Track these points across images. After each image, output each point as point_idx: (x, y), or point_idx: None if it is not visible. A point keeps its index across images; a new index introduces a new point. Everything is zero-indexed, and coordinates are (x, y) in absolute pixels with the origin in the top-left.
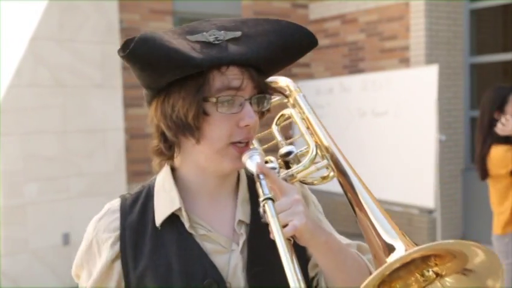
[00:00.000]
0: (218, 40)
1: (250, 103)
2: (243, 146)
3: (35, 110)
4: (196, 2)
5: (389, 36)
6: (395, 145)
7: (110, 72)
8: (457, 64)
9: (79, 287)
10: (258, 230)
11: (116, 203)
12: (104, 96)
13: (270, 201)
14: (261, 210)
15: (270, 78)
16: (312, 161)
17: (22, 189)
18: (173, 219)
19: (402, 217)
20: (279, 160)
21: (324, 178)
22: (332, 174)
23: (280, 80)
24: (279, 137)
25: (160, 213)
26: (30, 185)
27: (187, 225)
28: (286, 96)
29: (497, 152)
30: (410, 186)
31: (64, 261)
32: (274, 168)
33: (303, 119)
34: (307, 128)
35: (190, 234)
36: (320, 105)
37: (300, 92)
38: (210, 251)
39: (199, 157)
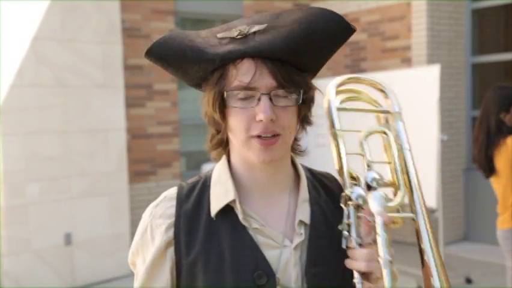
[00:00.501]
0: (241, 34)
1: (270, 98)
2: (267, 139)
3: (37, 110)
4: (198, 2)
5: (391, 36)
6: None
7: (112, 72)
8: (458, 64)
9: (135, 275)
10: (317, 231)
11: (173, 190)
12: (106, 96)
13: (389, 262)
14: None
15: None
16: (395, 208)
17: (24, 189)
18: (227, 210)
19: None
20: (364, 175)
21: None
22: (397, 224)
23: (387, 92)
24: (365, 152)
25: (215, 204)
26: (32, 185)
27: (240, 217)
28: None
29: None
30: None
31: (66, 261)
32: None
33: (398, 150)
34: (400, 163)
35: (244, 226)
36: (321, 105)
37: (401, 118)
38: (261, 245)
39: (238, 150)
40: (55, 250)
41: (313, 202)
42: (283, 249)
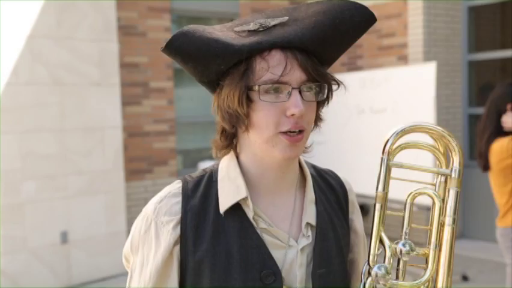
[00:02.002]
0: (263, 27)
1: (300, 92)
2: (294, 135)
3: (33, 108)
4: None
5: (387, 33)
6: None
7: (108, 70)
8: (455, 61)
9: (129, 271)
10: (322, 233)
11: (177, 185)
12: (102, 94)
13: None
14: None
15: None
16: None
17: (20, 187)
18: (235, 208)
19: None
20: (393, 245)
21: None
22: None
23: (456, 150)
24: (406, 215)
25: (225, 201)
26: (28, 184)
27: (250, 215)
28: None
29: (502, 143)
30: (409, 183)
31: (62, 259)
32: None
33: (441, 224)
34: (437, 239)
35: (251, 224)
36: None
37: (459, 186)
38: (267, 244)
39: (254, 147)
40: (51, 248)
41: (319, 202)
42: (289, 249)
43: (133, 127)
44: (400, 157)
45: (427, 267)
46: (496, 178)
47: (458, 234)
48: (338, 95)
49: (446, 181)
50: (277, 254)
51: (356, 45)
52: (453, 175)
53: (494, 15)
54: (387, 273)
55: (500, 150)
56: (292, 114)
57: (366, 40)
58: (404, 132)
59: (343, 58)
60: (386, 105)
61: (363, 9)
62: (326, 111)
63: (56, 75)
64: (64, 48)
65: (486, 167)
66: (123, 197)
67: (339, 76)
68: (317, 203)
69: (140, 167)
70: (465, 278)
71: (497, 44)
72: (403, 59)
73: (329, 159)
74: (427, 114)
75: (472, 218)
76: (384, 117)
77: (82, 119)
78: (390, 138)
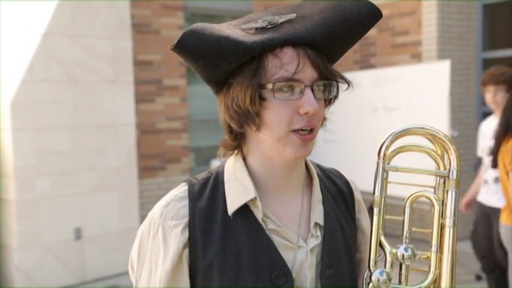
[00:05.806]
0: (271, 24)
1: (313, 90)
2: (305, 133)
3: (47, 105)
4: None
5: (401, 31)
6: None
7: (122, 67)
8: (469, 59)
9: (135, 278)
10: (330, 232)
11: (182, 188)
12: (116, 91)
13: None
14: None
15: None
16: None
17: (35, 184)
18: (243, 209)
19: (414, 213)
20: (394, 250)
21: None
22: None
23: (452, 150)
24: (406, 218)
25: (233, 202)
26: (43, 180)
27: (259, 216)
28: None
29: None
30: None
31: (76, 255)
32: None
33: (441, 226)
34: (438, 242)
35: (260, 225)
36: None
37: (457, 187)
38: (277, 245)
39: (263, 146)
40: (65, 244)
41: (326, 202)
42: (298, 250)
43: (146, 124)
44: (408, 160)
45: (429, 270)
46: None
47: (471, 233)
48: (350, 93)
49: (444, 183)
50: (286, 255)
51: (370, 43)
52: (450, 176)
53: (509, 13)
54: (389, 278)
55: None
56: (306, 112)
57: (380, 38)
58: (398, 135)
59: (356, 56)
60: (399, 104)
61: (370, 4)
62: (339, 110)
63: (70, 73)
64: (79, 46)
65: (495, 163)
66: (136, 194)
67: (352, 74)
68: (324, 202)
69: (153, 164)
70: (478, 278)
71: (511, 42)
72: (417, 57)
73: (341, 158)
74: (441, 113)
75: None
76: (397, 115)
77: (96, 116)
78: (385, 141)
